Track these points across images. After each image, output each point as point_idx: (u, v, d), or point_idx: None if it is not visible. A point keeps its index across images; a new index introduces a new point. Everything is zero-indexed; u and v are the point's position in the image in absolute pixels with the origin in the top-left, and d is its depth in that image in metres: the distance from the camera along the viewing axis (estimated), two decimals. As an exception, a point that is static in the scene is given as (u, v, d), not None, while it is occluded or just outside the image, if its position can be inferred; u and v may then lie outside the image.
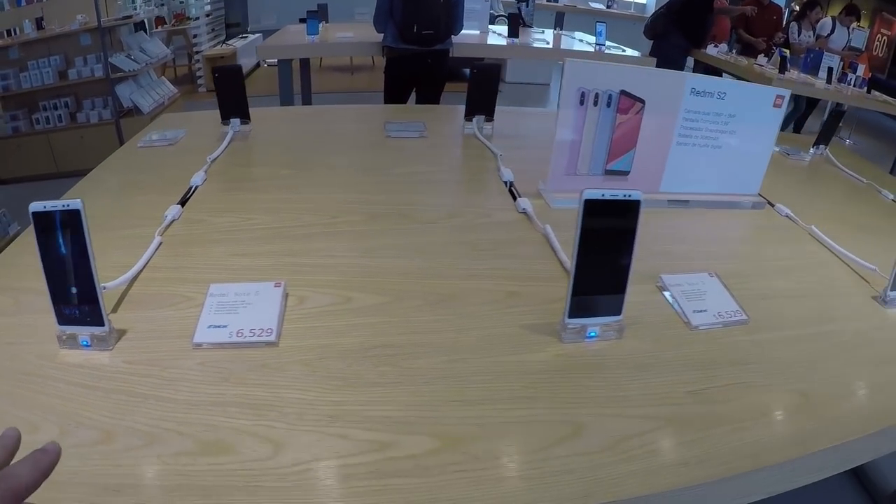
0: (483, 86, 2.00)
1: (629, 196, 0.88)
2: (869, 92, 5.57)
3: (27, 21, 4.50)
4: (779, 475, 0.81)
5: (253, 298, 0.98)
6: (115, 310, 0.99)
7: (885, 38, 14.18)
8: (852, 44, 6.95)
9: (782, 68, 4.83)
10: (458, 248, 1.27)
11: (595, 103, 1.32)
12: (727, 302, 1.13)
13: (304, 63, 4.74)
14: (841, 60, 5.78)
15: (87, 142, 4.57)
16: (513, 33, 4.13)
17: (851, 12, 6.49)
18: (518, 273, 1.17)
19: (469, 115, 2.04)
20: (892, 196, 2.05)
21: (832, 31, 6.17)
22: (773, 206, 1.70)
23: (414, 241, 1.30)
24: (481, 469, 0.74)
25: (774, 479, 0.81)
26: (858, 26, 7.36)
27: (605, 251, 0.92)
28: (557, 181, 1.40)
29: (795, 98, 6.17)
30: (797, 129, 6.46)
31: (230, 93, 1.85)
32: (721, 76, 5.88)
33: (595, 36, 4.44)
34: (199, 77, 6.46)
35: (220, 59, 6.41)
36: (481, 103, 2.02)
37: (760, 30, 5.86)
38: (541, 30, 5.36)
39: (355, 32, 4.03)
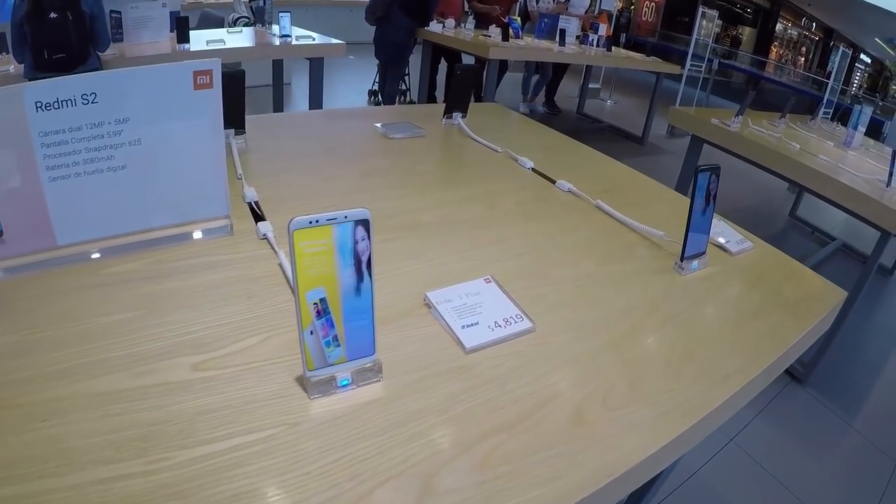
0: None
1: None
2: (609, 50, 5.25)
3: None
4: None
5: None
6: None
7: (653, 4, 14.66)
8: (603, 6, 6.69)
9: (505, 36, 4.32)
10: None
11: None
12: None
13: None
14: (581, 22, 5.43)
15: None
16: (182, 39, 3.37)
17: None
18: None
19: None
20: (530, 164, 1.47)
21: (572, -5, 5.79)
22: (261, 222, 1.05)
23: None
24: None
25: None
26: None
27: None
28: None
29: (541, 65, 5.77)
30: (549, 97, 6.06)
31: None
32: (459, 57, 5.34)
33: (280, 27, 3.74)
34: None
35: None
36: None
37: (494, 1, 5.36)
38: (239, 30, 4.58)
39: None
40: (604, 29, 5.56)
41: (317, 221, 0.61)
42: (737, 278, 1.08)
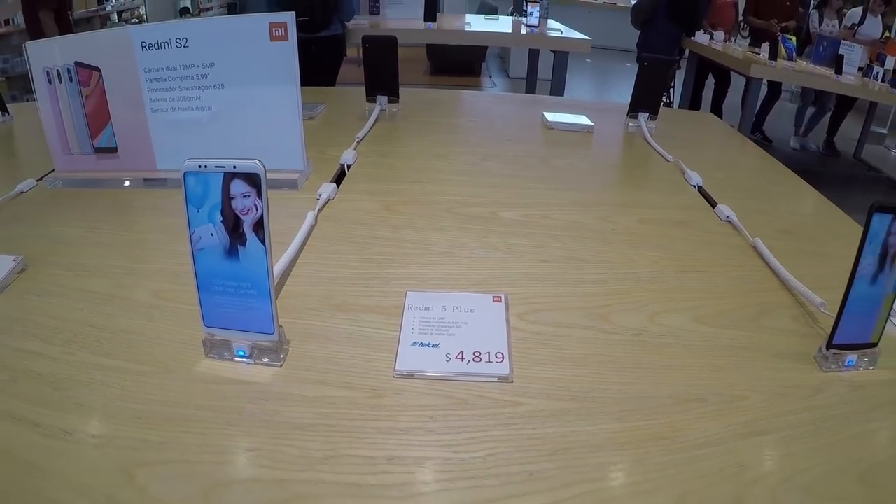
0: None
1: None
2: (894, 87, 4.18)
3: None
4: None
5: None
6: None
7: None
8: (894, 35, 5.35)
9: (773, 55, 3.65)
10: None
11: (60, 80, 1.00)
12: None
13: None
14: (866, 52, 4.38)
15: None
16: (429, 18, 3.45)
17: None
18: None
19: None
20: (698, 181, 1.12)
21: (861, 21, 4.69)
22: (328, 184, 0.99)
23: None
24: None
25: None
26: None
27: None
28: (60, 162, 1.05)
29: (819, 97, 4.80)
30: (829, 135, 5.01)
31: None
32: (728, 76, 4.66)
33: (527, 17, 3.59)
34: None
35: None
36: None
37: (771, 16, 4.55)
38: (495, 17, 4.58)
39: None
40: (892, 62, 4.42)
41: (205, 167, 0.47)
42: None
